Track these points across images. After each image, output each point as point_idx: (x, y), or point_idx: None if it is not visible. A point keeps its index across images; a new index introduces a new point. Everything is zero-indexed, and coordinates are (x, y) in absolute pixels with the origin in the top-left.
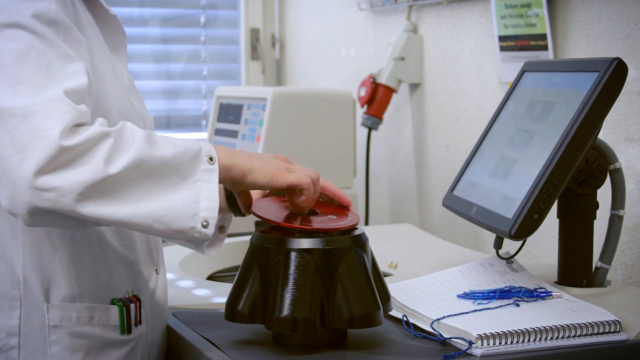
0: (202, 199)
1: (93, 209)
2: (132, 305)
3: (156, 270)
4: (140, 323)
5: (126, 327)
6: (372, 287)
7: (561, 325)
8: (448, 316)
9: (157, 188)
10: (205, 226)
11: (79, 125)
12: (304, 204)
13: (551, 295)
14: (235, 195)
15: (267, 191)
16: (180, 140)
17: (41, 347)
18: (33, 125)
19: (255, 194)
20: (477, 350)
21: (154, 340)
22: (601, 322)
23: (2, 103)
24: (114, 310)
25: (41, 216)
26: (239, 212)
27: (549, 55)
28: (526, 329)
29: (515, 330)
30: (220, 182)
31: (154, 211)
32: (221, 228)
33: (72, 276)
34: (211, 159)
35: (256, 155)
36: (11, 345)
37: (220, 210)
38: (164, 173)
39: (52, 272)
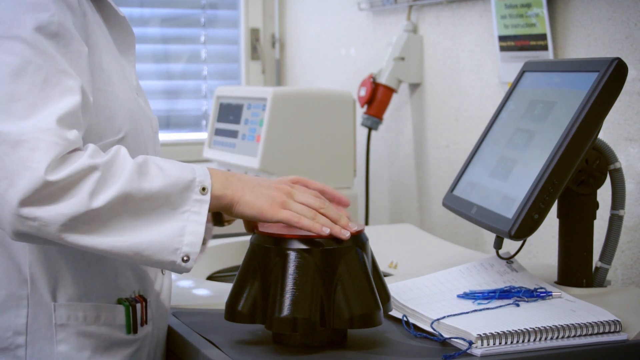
0: (187, 232)
1: (75, 239)
2: (138, 305)
3: (162, 270)
4: (146, 323)
5: (132, 326)
6: (372, 287)
7: (561, 325)
8: (448, 316)
9: (141, 221)
10: (185, 260)
11: (69, 153)
12: (305, 229)
13: (551, 295)
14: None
15: None
16: (175, 168)
17: (48, 345)
18: (22, 155)
19: None
20: (477, 350)
21: (159, 341)
22: (601, 322)
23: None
24: (120, 309)
25: (26, 238)
26: (220, 223)
27: (549, 55)
28: (526, 329)
29: (515, 330)
30: (210, 210)
31: (136, 244)
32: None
33: (79, 276)
34: (204, 189)
35: (252, 185)
36: (18, 343)
37: None
38: (151, 206)
39: (59, 271)
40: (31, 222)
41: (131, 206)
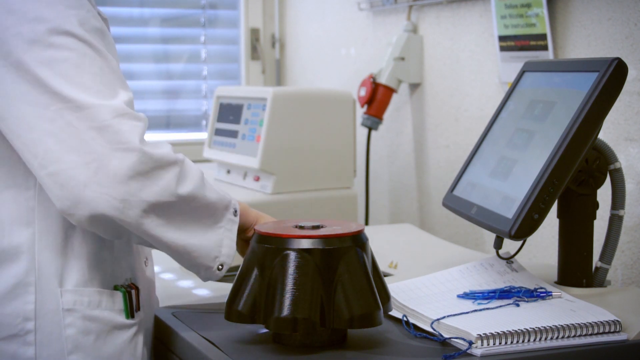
0: (224, 245)
1: (149, 227)
2: (133, 292)
3: (145, 262)
4: (139, 309)
5: (129, 311)
6: (372, 287)
7: (561, 325)
8: (448, 316)
9: (197, 225)
10: (220, 269)
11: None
12: None
13: (551, 295)
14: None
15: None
16: (215, 189)
17: (56, 330)
18: (111, 138)
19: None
20: (477, 350)
21: (147, 329)
22: (601, 322)
23: (76, 102)
24: (119, 295)
25: (98, 223)
26: None
27: (549, 55)
28: (526, 329)
29: (515, 330)
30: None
31: (190, 245)
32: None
33: (84, 262)
34: (235, 212)
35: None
36: (27, 329)
37: None
38: (205, 213)
39: (65, 258)
40: (118, 203)
41: (195, 208)
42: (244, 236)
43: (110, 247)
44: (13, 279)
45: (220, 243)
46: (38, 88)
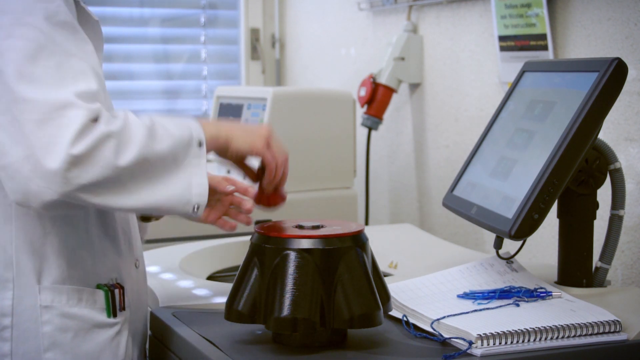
0: (193, 186)
1: (100, 200)
2: (117, 291)
3: (135, 264)
4: (124, 309)
5: (112, 310)
6: (372, 287)
7: (561, 325)
8: (448, 316)
9: (155, 182)
10: (196, 210)
11: (91, 124)
12: (267, 185)
13: (551, 295)
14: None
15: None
16: (176, 127)
17: (33, 327)
18: (47, 132)
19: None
20: (477, 350)
21: (136, 329)
22: (601, 322)
23: (21, 94)
24: (100, 294)
25: (55, 208)
26: (146, 219)
27: (549, 55)
28: (526, 329)
29: (515, 330)
30: (208, 151)
31: (153, 202)
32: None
33: (62, 260)
34: (200, 143)
35: (239, 125)
36: (4, 325)
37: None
38: (162, 165)
39: (44, 255)
40: (62, 193)
41: (147, 168)
42: (228, 156)
43: (90, 246)
44: None
45: (189, 185)
46: None
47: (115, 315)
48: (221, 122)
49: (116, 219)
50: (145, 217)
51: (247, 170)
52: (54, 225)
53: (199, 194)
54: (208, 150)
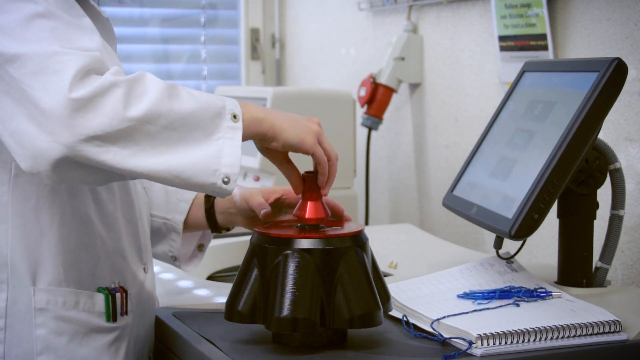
0: (224, 155)
1: (111, 157)
2: (118, 295)
3: (144, 269)
4: (126, 314)
5: (112, 314)
6: (372, 287)
7: (561, 325)
8: (448, 316)
9: (175, 144)
10: (226, 182)
11: (91, 71)
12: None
13: (551, 295)
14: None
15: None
16: (205, 96)
17: (27, 329)
18: (44, 81)
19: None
20: (477, 350)
21: (139, 335)
22: (601, 322)
23: (13, 52)
24: (100, 297)
25: (65, 170)
26: (216, 229)
27: (549, 55)
28: (526, 329)
29: (515, 330)
30: (248, 137)
31: (174, 166)
32: (200, 246)
33: (59, 261)
34: (235, 116)
35: (288, 115)
36: None
37: (200, 228)
38: (184, 128)
39: (40, 256)
40: (70, 146)
41: (164, 126)
42: (273, 146)
43: (93, 248)
44: None
45: (219, 154)
46: None
47: (115, 320)
48: (267, 108)
49: (122, 222)
50: (214, 226)
51: (292, 170)
52: (52, 225)
53: (230, 163)
54: (247, 133)
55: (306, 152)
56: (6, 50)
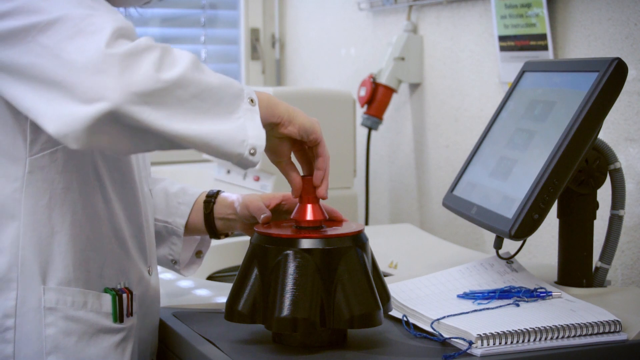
0: (249, 128)
1: (149, 120)
2: (125, 296)
3: (148, 271)
4: (131, 315)
5: (118, 315)
6: (372, 287)
7: (561, 325)
8: (448, 316)
9: (204, 113)
10: (252, 154)
11: (125, 34)
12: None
13: (551, 295)
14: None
15: (270, 216)
16: (224, 76)
17: (36, 329)
18: (80, 42)
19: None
20: (477, 350)
21: (142, 337)
22: (601, 322)
23: (47, 19)
24: (107, 298)
25: (97, 134)
26: (215, 235)
27: (549, 55)
28: (526, 329)
29: (515, 330)
30: (266, 120)
31: (205, 133)
32: (198, 253)
33: (69, 261)
34: (252, 100)
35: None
36: (7, 326)
37: (199, 232)
38: (210, 100)
39: (50, 255)
40: (106, 102)
41: (194, 94)
42: (277, 133)
43: (100, 248)
44: None
45: (244, 128)
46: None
47: (122, 321)
48: (281, 105)
49: (127, 223)
50: (212, 231)
51: (293, 171)
52: (63, 223)
53: (256, 136)
54: (265, 116)
55: (315, 140)
56: (38, 21)
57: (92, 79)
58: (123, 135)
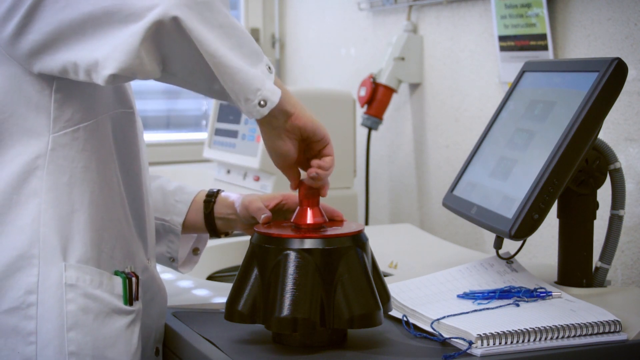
0: (267, 81)
1: (191, 20)
2: (134, 280)
3: (147, 260)
4: (137, 299)
5: (128, 298)
6: (372, 287)
7: (561, 325)
8: (448, 316)
9: (229, 48)
10: (262, 105)
11: None
12: (323, 173)
13: (551, 295)
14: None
15: (270, 216)
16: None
17: (58, 305)
18: None
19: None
20: (477, 350)
21: (147, 324)
22: (601, 322)
23: None
24: (118, 280)
25: (149, 46)
26: (215, 234)
27: (549, 55)
28: (526, 329)
29: (515, 330)
30: (279, 106)
31: (229, 60)
32: (195, 250)
33: (87, 239)
34: (270, 68)
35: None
36: (30, 302)
37: (198, 230)
38: (234, 39)
39: (70, 232)
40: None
41: (220, 23)
42: (290, 124)
43: (111, 229)
44: (17, 250)
45: (262, 79)
46: None
47: (131, 304)
48: (291, 97)
49: (130, 209)
50: (213, 230)
51: (295, 173)
52: (82, 202)
53: (271, 90)
54: (280, 103)
55: (325, 138)
56: None
57: None
58: (157, 58)
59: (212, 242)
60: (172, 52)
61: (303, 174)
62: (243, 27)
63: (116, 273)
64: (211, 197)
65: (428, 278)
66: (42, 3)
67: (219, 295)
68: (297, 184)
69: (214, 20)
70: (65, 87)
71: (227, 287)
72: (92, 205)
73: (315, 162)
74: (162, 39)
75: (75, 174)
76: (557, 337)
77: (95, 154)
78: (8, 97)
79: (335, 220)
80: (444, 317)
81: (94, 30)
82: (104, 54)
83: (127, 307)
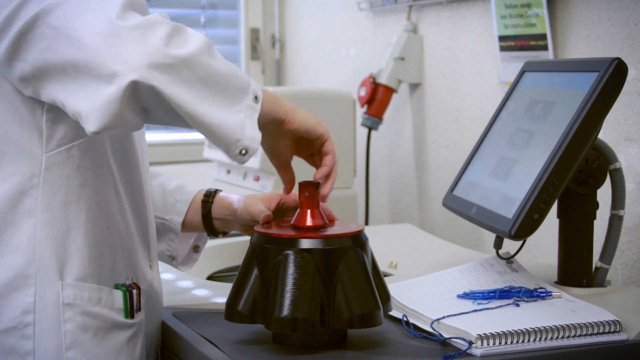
0: (247, 128)
1: (164, 83)
2: (134, 291)
3: (150, 265)
4: (140, 310)
5: (129, 311)
6: (372, 287)
7: (561, 325)
8: (448, 316)
9: (208, 99)
10: (243, 154)
11: (135, 8)
12: (325, 171)
13: (551, 295)
14: (233, 224)
15: (271, 215)
16: (234, 66)
17: (55, 324)
18: (88, 18)
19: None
20: (477, 350)
21: (148, 331)
22: (601, 322)
23: (51, 2)
24: (118, 294)
25: (125, 108)
26: (213, 233)
27: (549, 55)
28: (526, 329)
29: (515, 330)
30: (265, 117)
31: (208, 117)
32: (195, 248)
33: (85, 256)
34: (256, 98)
35: (296, 106)
36: (27, 322)
37: (197, 229)
38: (215, 87)
39: (67, 251)
40: (124, 73)
41: (199, 77)
42: (283, 130)
43: (111, 243)
44: (13, 270)
45: (242, 126)
46: None
47: (132, 317)
48: (285, 104)
49: (134, 218)
50: (211, 230)
51: (291, 176)
52: (79, 219)
53: (252, 137)
54: (265, 113)
55: (322, 137)
56: (45, 4)
57: (107, 51)
58: (137, 111)
59: (212, 242)
60: (152, 107)
61: (303, 176)
62: (225, 63)
63: (116, 287)
64: (209, 197)
65: (428, 278)
66: (28, 35)
67: (219, 295)
68: (291, 188)
69: (192, 77)
70: (56, 107)
71: (227, 287)
72: (90, 222)
73: (316, 174)
74: (139, 96)
75: (71, 192)
76: (557, 337)
77: (91, 170)
78: (1, 115)
79: (332, 220)
80: (444, 317)
81: (77, 78)
82: (86, 110)
83: (128, 321)
